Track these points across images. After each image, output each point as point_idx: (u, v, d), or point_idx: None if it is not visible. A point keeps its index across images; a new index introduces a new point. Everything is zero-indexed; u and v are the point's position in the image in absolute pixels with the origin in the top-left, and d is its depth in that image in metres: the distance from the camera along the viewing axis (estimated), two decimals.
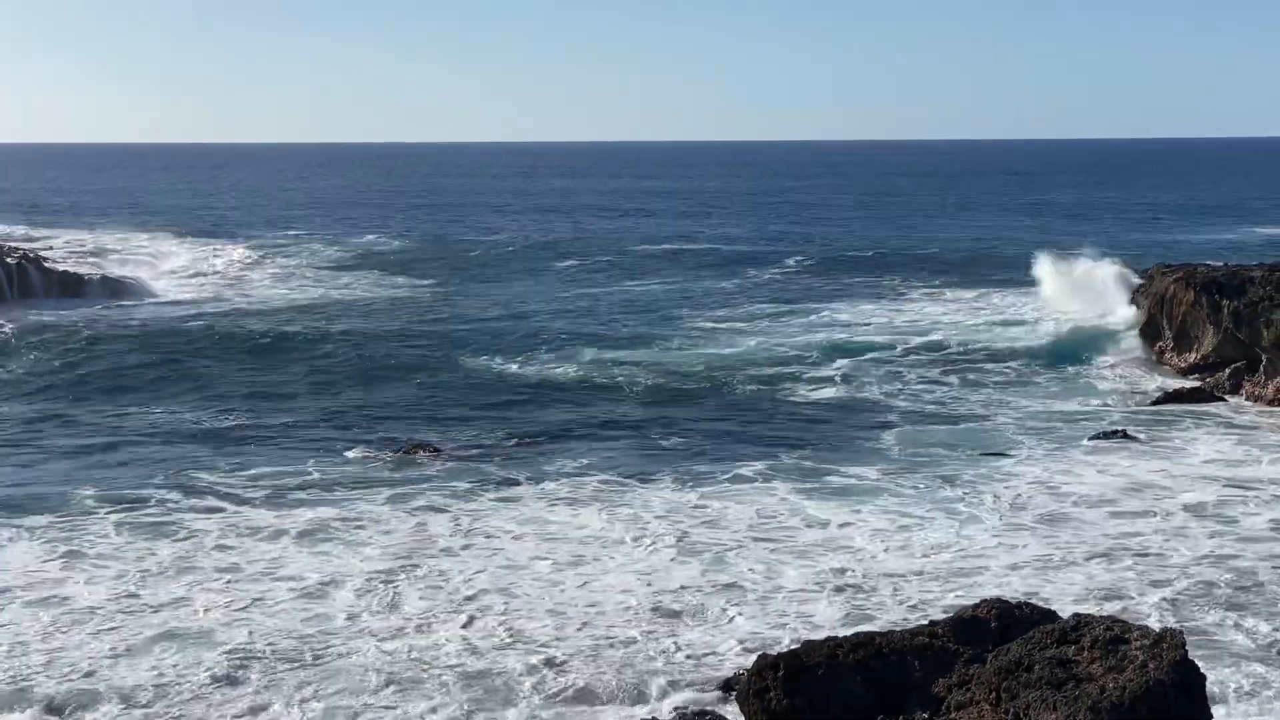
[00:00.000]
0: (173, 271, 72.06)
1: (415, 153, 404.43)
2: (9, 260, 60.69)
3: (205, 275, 71.85)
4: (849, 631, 16.75)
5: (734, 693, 17.09)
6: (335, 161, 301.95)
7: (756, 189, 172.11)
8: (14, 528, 25.76)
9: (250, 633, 20.24)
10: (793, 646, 16.28)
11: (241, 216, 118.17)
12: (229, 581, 22.68)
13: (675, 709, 17.32)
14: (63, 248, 77.05)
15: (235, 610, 21.25)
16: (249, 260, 78.13)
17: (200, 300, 61.63)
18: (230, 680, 18.50)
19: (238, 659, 19.22)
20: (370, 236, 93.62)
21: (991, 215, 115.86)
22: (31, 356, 44.89)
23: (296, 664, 19.11)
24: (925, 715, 12.56)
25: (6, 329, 50.47)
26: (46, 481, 29.70)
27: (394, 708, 17.68)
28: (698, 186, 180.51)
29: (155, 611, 21.20)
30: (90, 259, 74.22)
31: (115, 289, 62.64)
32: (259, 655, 19.37)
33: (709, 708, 17.40)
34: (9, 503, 27.66)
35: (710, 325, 52.08)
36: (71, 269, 65.00)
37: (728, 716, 16.88)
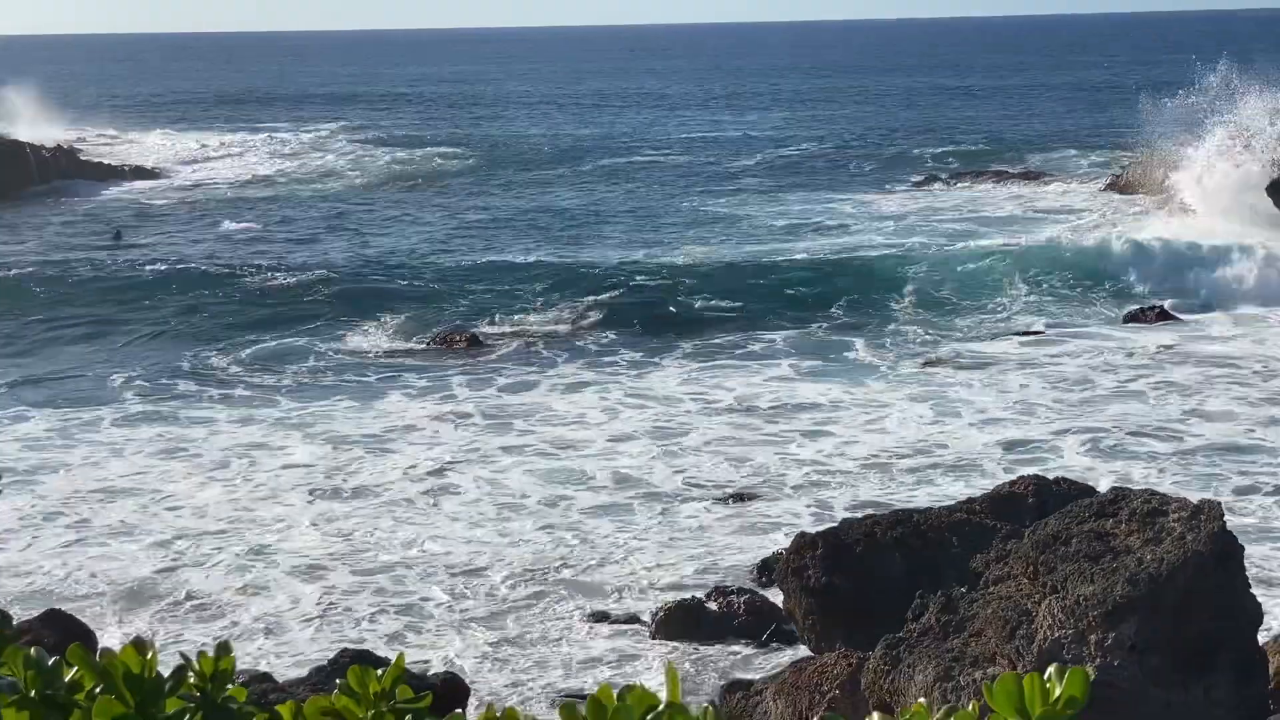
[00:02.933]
0: (205, 160, 72.10)
1: (423, 40, 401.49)
2: (44, 152, 61.05)
3: (235, 157, 72.06)
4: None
5: (769, 574, 17.31)
6: (349, 50, 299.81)
7: (787, 72, 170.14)
8: (21, 406, 26.31)
9: (182, 521, 20.50)
10: (830, 526, 16.44)
11: (268, 104, 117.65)
12: (196, 469, 22.85)
13: (715, 587, 17.55)
14: (95, 140, 77.43)
15: (178, 499, 21.43)
16: (281, 147, 77.95)
17: (235, 183, 61.88)
18: (160, 570, 18.66)
19: (171, 547, 19.43)
20: (394, 128, 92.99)
21: (1026, 96, 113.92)
22: (66, 242, 45.17)
23: (214, 548, 19.37)
24: (963, 590, 12.70)
25: (42, 217, 50.86)
26: (68, 361, 30.33)
27: (334, 602, 17.71)
28: (723, 65, 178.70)
29: (115, 500, 21.40)
30: (120, 147, 74.67)
31: (145, 177, 63.11)
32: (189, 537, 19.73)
33: (746, 586, 17.63)
34: (28, 382, 28.38)
35: (746, 208, 51.77)
36: (103, 160, 65.46)
37: (766, 596, 17.10)
